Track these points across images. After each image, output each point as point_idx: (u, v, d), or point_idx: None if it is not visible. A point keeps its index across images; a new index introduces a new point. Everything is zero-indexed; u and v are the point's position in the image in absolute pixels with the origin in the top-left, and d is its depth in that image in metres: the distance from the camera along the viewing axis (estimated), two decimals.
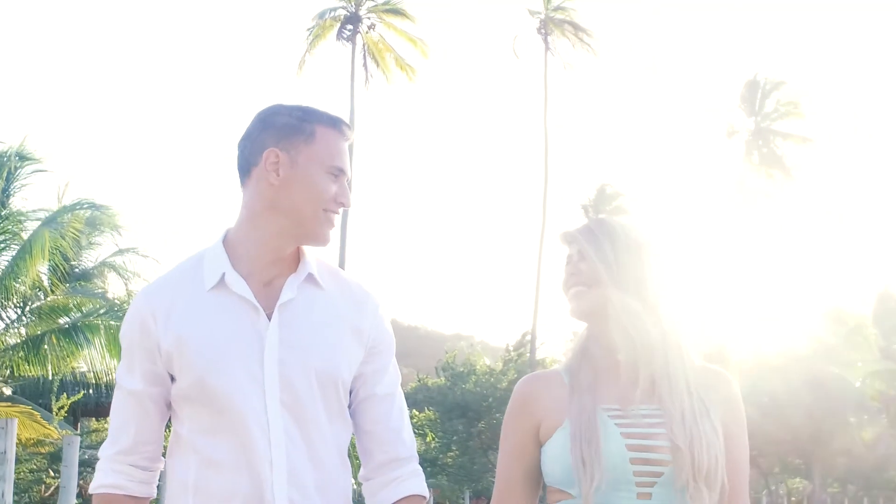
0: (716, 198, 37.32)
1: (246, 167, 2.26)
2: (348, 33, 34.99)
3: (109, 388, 19.18)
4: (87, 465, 13.53)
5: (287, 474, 2.17)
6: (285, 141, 2.22)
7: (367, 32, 35.18)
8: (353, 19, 35.35)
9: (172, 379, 2.24)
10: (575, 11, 40.34)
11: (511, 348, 39.93)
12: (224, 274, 2.22)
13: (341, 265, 31.47)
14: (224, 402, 2.17)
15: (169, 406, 2.29)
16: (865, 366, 38.85)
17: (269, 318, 2.21)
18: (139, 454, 2.27)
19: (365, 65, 35.04)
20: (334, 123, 2.28)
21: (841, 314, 40.20)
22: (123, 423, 2.27)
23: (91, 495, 2.30)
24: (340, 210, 2.28)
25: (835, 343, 38.55)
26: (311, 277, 2.28)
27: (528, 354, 38.24)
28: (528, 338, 40.11)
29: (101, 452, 2.29)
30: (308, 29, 35.13)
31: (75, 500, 10.54)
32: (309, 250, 2.32)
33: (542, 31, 40.20)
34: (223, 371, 2.17)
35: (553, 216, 45.07)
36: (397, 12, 35.08)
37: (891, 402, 40.99)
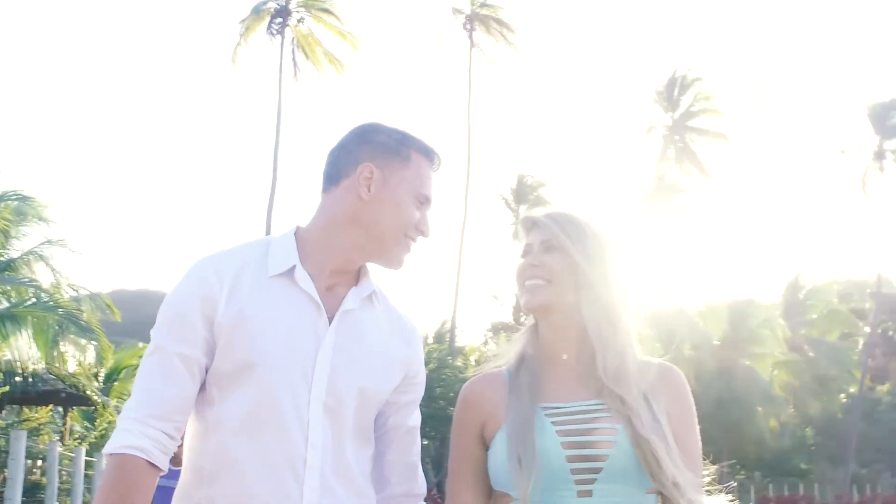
0: (634, 192, 38.26)
1: (336, 176, 2.27)
2: (277, 26, 35.15)
3: (36, 377, 19.40)
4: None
5: (320, 478, 2.14)
6: (381, 159, 2.25)
7: (296, 26, 35.37)
8: (283, 13, 35.46)
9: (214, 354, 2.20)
10: (502, 10, 40.89)
11: (431, 338, 40.58)
12: (294, 266, 2.22)
13: None
14: (268, 391, 2.14)
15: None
16: (773, 357, 40.16)
17: (329, 322, 2.23)
18: (173, 422, 2.15)
19: (294, 58, 35.24)
20: (429, 153, 2.31)
21: (751, 306, 41.45)
22: (162, 387, 2.15)
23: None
24: (419, 238, 2.31)
25: (745, 335, 39.81)
26: (371, 296, 2.32)
27: (448, 343, 38.85)
28: (448, 325, 40.70)
29: (130, 413, 2.15)
30: (241, 22, 35.21)
31: (20, 493, 10.98)
32: (371, 269, 2.36)
33: (468, 26, 40.71)
34: (277, 360, 2.15)
35: (474, 207, 45.75)
36: (326, 10, 35.29)
37: (796, 392, 42.71)
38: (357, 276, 2.31)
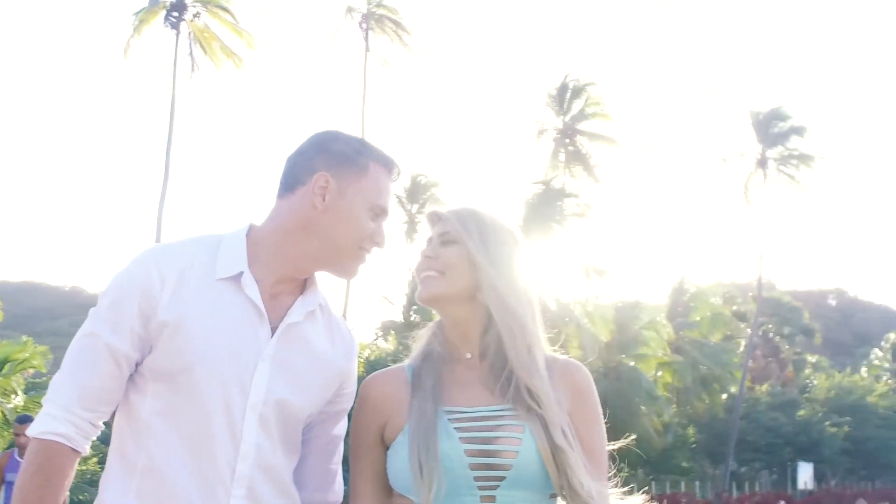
0: (524, 193, 38.83)
1: (292, 183, 2.25)
2: (174, 20, 34.80)
3: None
4: None
5: (246, 489, 2.14)
6: (338, 169, 2.23)
7: (192, 20, 35.07)
8: (179, 6, 35.10)
9: (149, 350, 2.17)
10: (397, 11, 41.15)
11: None
12: (242, 273, 2.20)
13: None
14: (203, 398, 2.12)
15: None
16: (657, 358, 41.10)
17: (272, 332, 2.21)
18: (98, 413, 2.16)
19: (191, 52, 34.94)
20: (387, 163, 2.30)
21: (637, 308, 42.26)
22: (90, 376, 2.15)
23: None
24: (374, 249, 2.29)
25: (631, 336, 40.67)
26: (317, 309, 2.31)
27: None
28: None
29: (56, 398, 2.15)
30: (135, 14, 34.71)
31: None
32: (319, 278, 2.34)
33: (363, 26, 40.91)
34: (215, 367, 2.13)
35: None
36: (222, 7, 35.06)
37: (680, 392, 43.88)
38: (303, 284, 2.30)
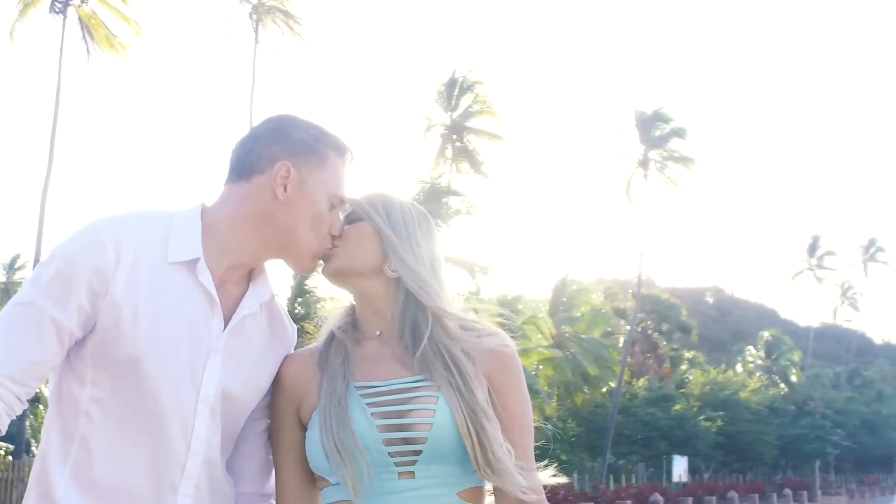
0: (412, 188, 39.28)
1: (248, 171, 2.19)
2: (60, 5, 34.20)
3: None
4: None
5: (195, 487, 2.09)
6: (298, 158, 2.18)
7: (79, 6, 34.52)
8: None
9: (91, 329, 2.06)
10: (286, 2, 41.02)
11: None
12: (199, 260, 2.12)
13: (38, 247, 31.07)
14: (154, 390, 2.04)
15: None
16: (539, 353, 41.91)
17: (224, 323, 2.16)
18: (28, 388, 2.02)
19: (84, 38, 34.35)
20: (344, 151, 2.27)
21: (519, 302, 42.91)
22: (26, 348, 2.00)
23: None
24: (329, 240, 2.24)
25: (512, 330, 41.34)
26: (268, 301, 2.27)
27: None
28: None
29: None
30: None
31: None
32: (267, 267, 2.30)
33: (254, 16, 40.77)
34: (166, 359, 2.06)
35: None
36: None
37: (560, 387, 44.92)
38: (250, 272, 2.26)
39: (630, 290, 57.28)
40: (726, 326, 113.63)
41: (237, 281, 2.23)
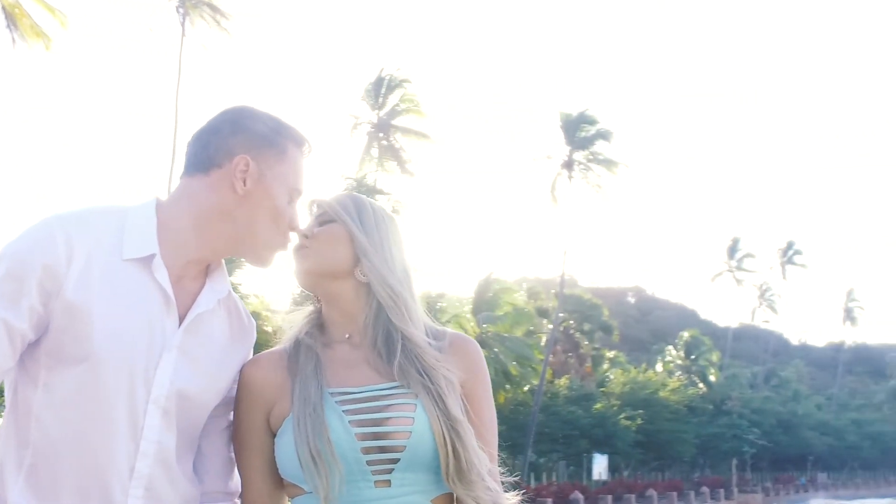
0: (337, 187, 39.40)
1: (206, 163, 2.15)
2: None
3: None
4: None
5: (145, 489, 2.04)
6: (257, 151, 2.15)
7: None
8: None
9: (45, 331, 2.02)
10: None
11: None
12: (154, 256, 2.08)
13: None
14: (104, 389, 2.00)
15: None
16: None
17: (179, 320, 2.12)
18: None
19: (9, 27, 33.89)
20: (302, 143, 2.23)
21: (441, 300, 43.07)
22: None
23: None
24: (289, 234, 2.22)
25: None
26: (225, 297, 2.24)
27: None
28: None
29: None
30: None
31: None
32: (224, 262, 2.26)
33: (181, 9, 40.53)
34: (120, 358, 2.01)
35: None
36: None
37: None
38: (206, 268, 2.22)
39: (553, 290, 57.76)
40: (647, 326, 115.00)
41: (194, 277, 2.19)
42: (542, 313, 55.01)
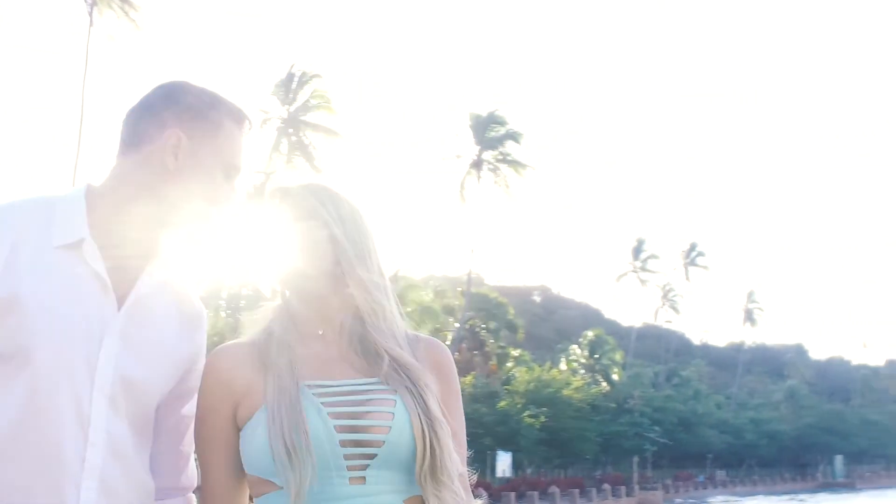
0: (245, 185, 39.30)
1: (136, 140, 2.10)
2: None
3: None
4: None
5: (98, 480, 1.97)
6: (190, 125, 2.09)
7: None
8: None
9: None
10: None
11: None
12: (83, 240, 2.02)
13: None
14: (44, 382, 1.94)
15: None
16: None
17: (118, 305, 2.04)
18: None
19: None
20: (240, 118, 2.17)
21: None
22: None
23: None
24: (228, 212, 2.16)
25: None
26: (168, 279, 2.17)
27: None
28: None
29: None
30: None
31: None
32: (167, 243, 2.17)
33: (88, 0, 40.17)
34: (56, 347, 1.95)
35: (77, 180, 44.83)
36: None
37: None
38: (149, 250, 2.14)
39: (459, 288, 58.42)
40: (552, 325, 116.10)
41: (135, 260, 2.11)
42: (449, 311, 55.51)
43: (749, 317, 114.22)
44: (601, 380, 71.17)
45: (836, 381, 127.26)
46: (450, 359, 2.26)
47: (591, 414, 59.03)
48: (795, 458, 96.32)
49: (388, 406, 2.06)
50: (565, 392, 57.87)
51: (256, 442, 2.03)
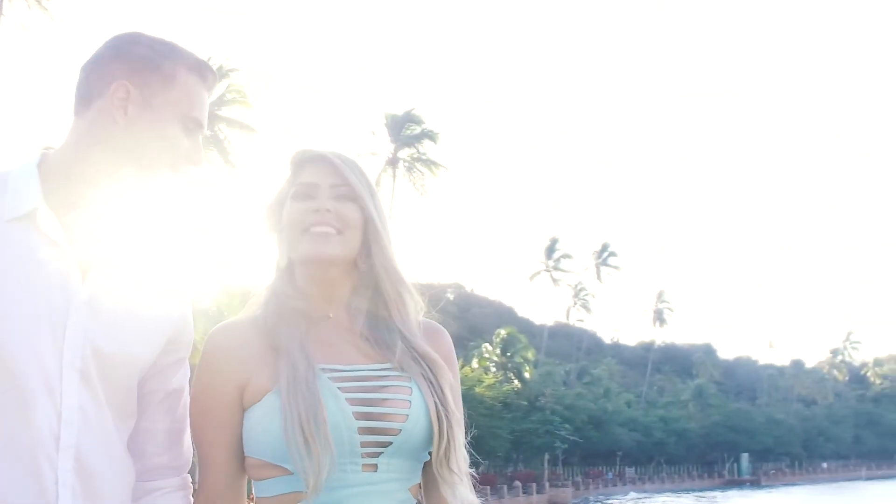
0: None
1: (87, 96, 2.00)
2: None
3: None
4: None
5: (75, 459, 1.88)
6: (139, 76, 1.99)
7: None
8: None
9: None
10: None
11: None
12: (37, 210, 1.92)
13: None
14: (10, 361, 1.85)
15: None
16: None
17: (82, 273, 1.94)
18: None
19: None
20: (199, 69, 2.06)
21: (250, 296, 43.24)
22: None
23: None
24: (190, 169, 2.05)
25: None
26: (135, 239, 2.05)
27: None
28: None
29: None
30: None
31: None
32: (129, 203, 2.05)
33: None
34: (17, 325, 1.86)
35: None
36: None
37: None
38: (113, 213, 2.03)
39: None
40: (465, 323, 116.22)
41: (98, 224, 2.00)
42: None
43: (659, 317, 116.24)
44: (513, 378, 71.71)
45: (743, 380, 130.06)
46: (450, 343, 2.24)
47: (502, 411, 59.50)
48: (703, 455, 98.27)
49: (404, 393, 2.03)
50: (477, 390, 58.14)
51: (266, 425, 1.97)
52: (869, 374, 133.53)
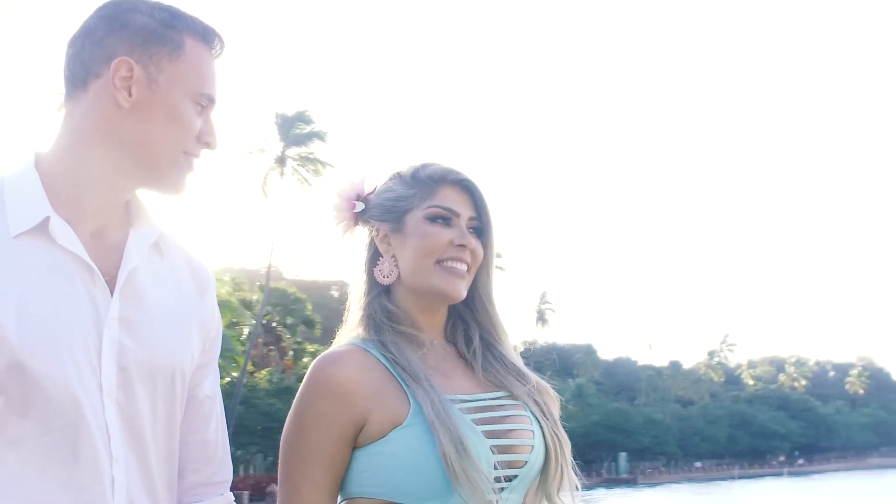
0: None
1: (81, 77, 1.76)
2: None
3: None
4: None
5: (128, 500, 1.73)
6: (143, 50, 1.75)
7: None
8: None
9: None
10: None
11: None
12: (48, 219, 1.70)
13: None
14: (54, 398, 1.63)
15: None
16: None
17: (108, 285, 1.75)
18: None
19: None
20: (207, 36, 1.84)
21: None
22: None
23: None
24: (204, 152, 1.85)
25: None
26: (158, 242, 1.89)
27: None
28: None
29: None
30: None
31: None
32: (145, 200, 1.88)
33: None
34: (51, 354, 1.64)
35: None
36: None
37: None
38: (127, 210, 1.86)
39: (258, 282, 58.65)
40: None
41: (115, 226, 1.83)
42: (247, 305, 55.68)
43: (541, 317, 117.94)
44: None
45: (623, 380, 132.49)
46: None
47: None
48: (582, 454, 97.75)
49: (526, 423, 1.98)
50: None
51: (399, 461, 1.86)
52: (743, 375, 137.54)
